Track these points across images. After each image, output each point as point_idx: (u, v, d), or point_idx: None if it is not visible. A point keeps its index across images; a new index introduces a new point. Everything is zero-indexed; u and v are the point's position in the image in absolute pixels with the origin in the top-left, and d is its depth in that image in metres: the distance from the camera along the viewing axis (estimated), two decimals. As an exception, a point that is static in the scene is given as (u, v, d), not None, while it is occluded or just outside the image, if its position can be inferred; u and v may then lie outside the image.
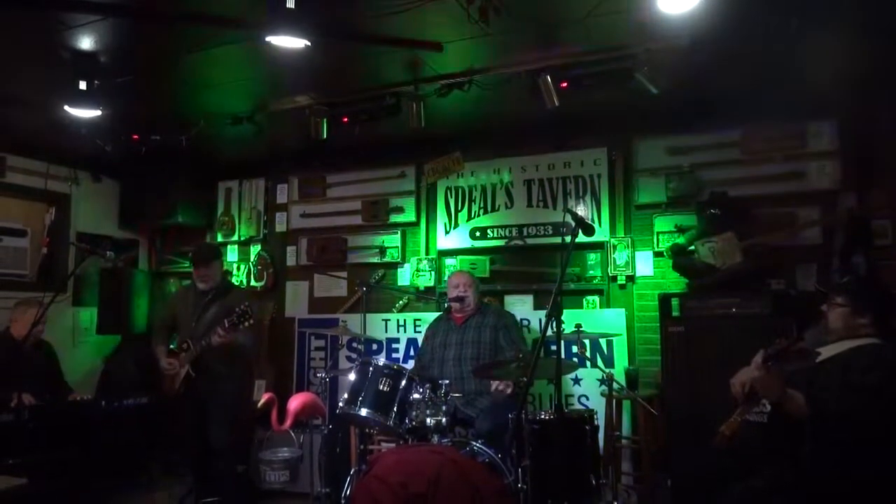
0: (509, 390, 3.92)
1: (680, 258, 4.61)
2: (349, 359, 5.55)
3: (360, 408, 3.72)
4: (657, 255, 5.01)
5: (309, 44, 3.38)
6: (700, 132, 4.93)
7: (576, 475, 3.47)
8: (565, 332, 4.29)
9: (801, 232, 4.62)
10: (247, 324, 4.21)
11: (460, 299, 4.51)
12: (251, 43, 3.67)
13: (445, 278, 5.59)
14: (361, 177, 6.05)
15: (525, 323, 5.02)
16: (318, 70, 4.22)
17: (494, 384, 3.99)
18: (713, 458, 2.87)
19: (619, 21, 3.62)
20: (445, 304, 4.69)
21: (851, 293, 2.79)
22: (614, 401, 4.39)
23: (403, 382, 3.77)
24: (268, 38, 3.34)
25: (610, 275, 5.11)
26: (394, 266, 5.89)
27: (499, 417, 3.83)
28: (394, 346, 5.55)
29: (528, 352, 4.01)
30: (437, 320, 4.77)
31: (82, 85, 4.05)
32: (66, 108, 4.22)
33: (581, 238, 3.25)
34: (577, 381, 4.90)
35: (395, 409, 3.70)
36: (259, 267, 6.34)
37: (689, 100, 4.61)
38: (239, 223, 6.49)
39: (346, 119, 4.85)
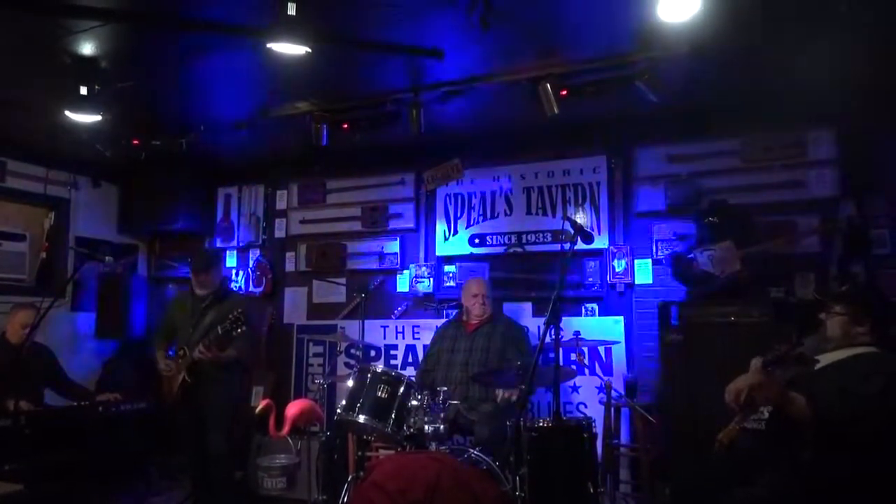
0: (514, 397, 3.92)
1: (679, 266, 4.61)
2: (347, 365, 5.55)
3: (357, 414, 3.72)
4: (656, 262, 5.01)
5: (310, 50, 3.39)
6: (699, 140, 4.93)
7: (574, 483, 3.45)
8: (564, 339, 4.30)
9: (800, 240, 4.62)
10: (240, 330, 4.21)
11: (479, 307, 4.52)
12: (252, 49, 3.68)
13: (445, 285, 5.63)
14: (361, 183, 6.06)
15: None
16: (318, 76, 4.24)
17: (500, 393, 4.00)
18: (712, 466, 2.87)
19: (619, 29, 3.63)
20: (453, 310, 4.68)
21: (850, 301, 2.79)
22: (613, 409, 4.38)
23: (402, 389, 3.77)
24: (269, 45, 3.36)
25: (609, 282, 5.11)
26: (393, 272, 5.89)
27: (498, 425, 3.82)
28: (392, 352, 5.55)
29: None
30: (447, 325, 4.78)
31: (83, 90, 4.05)
32: (67, 113, 4.22)
33: (580, 245, 3.27)
34: (575, 388, 4.90)
35: (393, 415, 3.69)
36: (258, 273, 6.33)
37: (689, 108, 4.63)
38: (238, 229, 6.49)
39: (346, 125, 4.87)
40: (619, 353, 4.85)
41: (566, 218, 3.32)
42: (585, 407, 4.84)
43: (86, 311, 6.27)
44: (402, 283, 5.83)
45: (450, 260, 5.68)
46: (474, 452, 3.62)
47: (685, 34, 3.57)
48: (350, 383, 3.91)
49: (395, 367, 5.40)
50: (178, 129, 5.17)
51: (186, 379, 4.42)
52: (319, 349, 5.84)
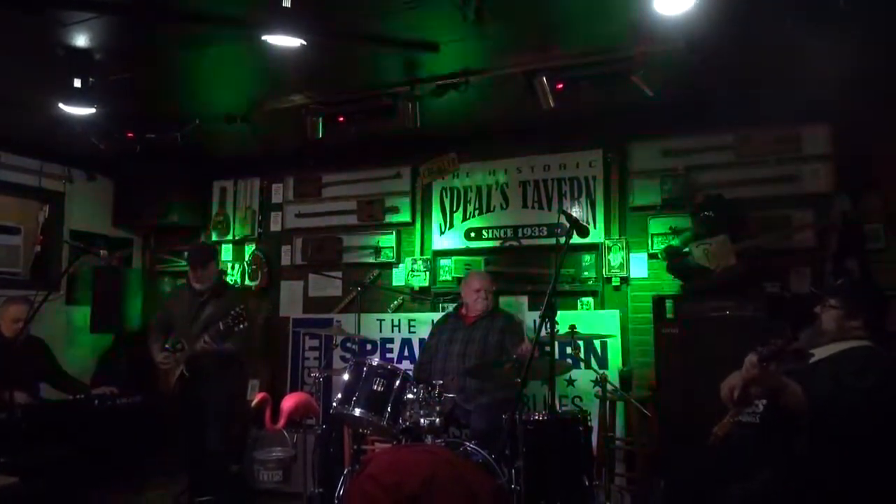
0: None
1: (674, 260, 4.62)
2: (343, 359, 5.55)
3: (353, 408, 3.72)
4: (651, 256, 5.01)
5: (305, 43, 3.38)
6: (695, 134, 4.93)
7: (569, 476, 3.47)
8: (559, 333, 4.31)
9: (795, 235, 4.64)
10: (241, 326, 4.21)
11: (482, 302, 4.53)
12: (247, 41, 3.67)
13: (441, 279, 5.63)
14: (357, 177, 6.05)
15: (520, 324, 5.03)
16: (313, 69, 4.22)
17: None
18: (707, 459, 2.88)
19: (614, 23, 3.63)
20: (450, 304, 4.69)
21: (845, 296, 2.81)
22: (608, 402, 4.39)
23: (397, 382, 3.78)
24: (264, 37, 3.34)
25: (604, 276, 5.11)
26: (389, 266, 5.88)
27: (493, 418, 3.83)
28: (388, 346, 5.55)
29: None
30: (445, 317, 4.81)
31: (77, 83, 4.03)
32: (61, 105, 4.20)
33: (576, 239, 3.27)
34: (570, 382, 4.91)
35: (388, 409, 3.70)
36: (254, 266, 6.32)
37: (685, 102, 4.63)
38: (234, 222, 6.48)
39: (341, 119, 4.85)
40: (614, 346, 4.86)
41: (562, 212, 3.32)
42: (581, 400, 4.85)
43: (81, 304, 6.26)
44: (398, 277, 5.83)
45: (446, 254, 5.68)
46: (470, 445, 3.63)
47: (681, 28, 3.56)
48: (346, 377, 3.92)
49: (391, 360, 5.39)
50: (173, 123, 5.15)
51: (184, 373, 4.42)
52: (315, 343, 5.83)
